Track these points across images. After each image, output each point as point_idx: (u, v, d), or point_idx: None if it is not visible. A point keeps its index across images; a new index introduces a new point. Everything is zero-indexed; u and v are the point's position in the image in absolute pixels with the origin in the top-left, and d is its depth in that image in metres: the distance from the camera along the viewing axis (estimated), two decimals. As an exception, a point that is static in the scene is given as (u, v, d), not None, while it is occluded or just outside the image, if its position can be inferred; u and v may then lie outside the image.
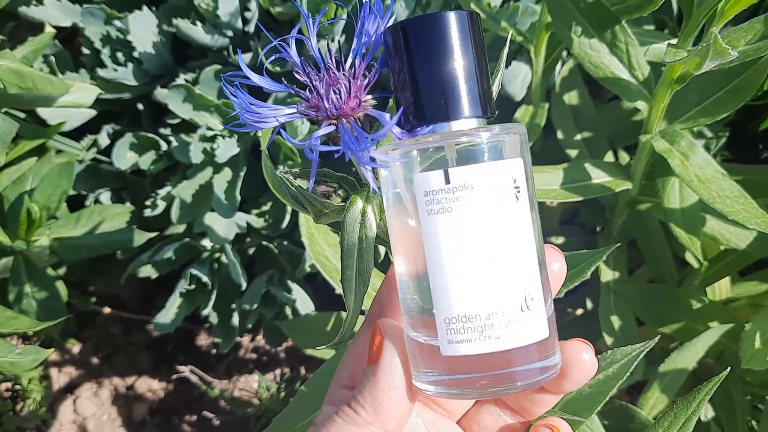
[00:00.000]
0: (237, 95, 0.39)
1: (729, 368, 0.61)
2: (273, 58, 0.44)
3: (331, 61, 0.40)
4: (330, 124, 0.39)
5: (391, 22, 0.41)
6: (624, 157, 1.14)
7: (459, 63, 0.37)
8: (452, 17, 0.37)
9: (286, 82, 0.42)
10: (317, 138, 0.38)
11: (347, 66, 0.41)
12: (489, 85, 0.39)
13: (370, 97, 0.40)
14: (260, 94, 0.54)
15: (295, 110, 0.40)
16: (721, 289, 1.08)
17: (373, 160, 0.37)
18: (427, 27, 0.37)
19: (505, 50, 0.46)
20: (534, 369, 0.36)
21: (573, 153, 1.07)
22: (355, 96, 0.40)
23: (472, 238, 0.35)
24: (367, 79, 0.40)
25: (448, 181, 0.35)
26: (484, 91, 0.38)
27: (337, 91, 0.39)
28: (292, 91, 0.41)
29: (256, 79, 0.42)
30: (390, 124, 0.36)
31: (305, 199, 0.45)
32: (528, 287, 0.36)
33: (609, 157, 1.08)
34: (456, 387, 0.36)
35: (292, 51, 0.42)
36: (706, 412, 1.03)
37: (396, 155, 0.37)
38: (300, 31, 0.42)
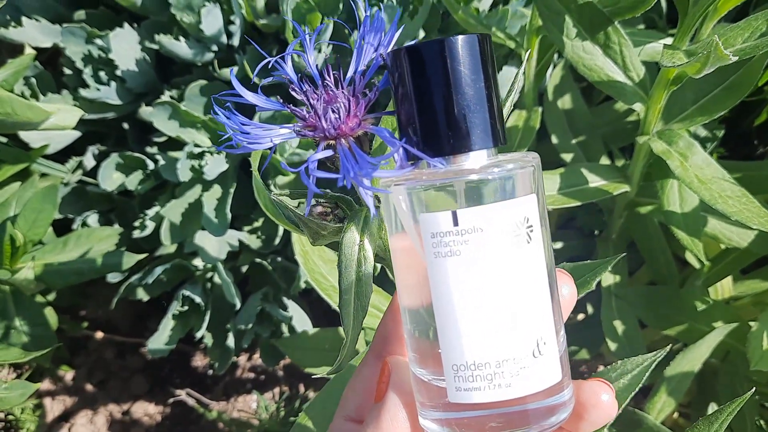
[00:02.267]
0: (228, 116, 0.37)
1: (753, 389, 0.59)
2: (258, 70, 0.41)
3: (330, 78, 0.38)
4: (328, 146, 0.37)
5: (396, 37, 0.39)
6: (620, 159, 1.13)
7: (469, 91, 0.34)
8: (461, 42, 0.34)
9: (281, 99, 0.39)
10: (314, 161, 0.35)
11: (346, 83, 0.38)
12: (501, 112, 0.36)
13: (370, 116, 0.38)
14: (246, 110, 0.52)
15: (290, 130, 0.38)
16: (724, 288, 1.06)
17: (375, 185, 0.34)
18: (434, 53, 0.34)
19: (519, 74, 0.43)
20: (546, 406, 0.34)
21: (568, 157, 1.05)
22: (355, 115, 0.37)
23: (482, 282, 0.33)
24: (367, 98, 0.38)
25: (456, 223, 0.33)
26: (496, 120, 0.35)
27: (336, 110, 0.37)
28: (288, 110, 0.38)
29: (249, 97, 0.39)
30: (394, 149, 0.33)
31: (301, 222, 0.43)
32: (541, 332, 0.34)
33: (605, 159, 1.07)
34: (463, 429, 0.35)
35: (288, 67, 0.39)
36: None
37: (401, 190, 0.34)
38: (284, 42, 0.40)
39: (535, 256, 0.34)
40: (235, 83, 0.39)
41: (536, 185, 0.35)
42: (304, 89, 0.38)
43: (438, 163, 0.35)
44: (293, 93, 0.38)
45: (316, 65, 0.39)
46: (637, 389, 0.59)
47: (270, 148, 0.38)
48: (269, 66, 0.40)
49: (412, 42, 0.37)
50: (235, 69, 1.02)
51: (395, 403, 0.37)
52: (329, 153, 0.36)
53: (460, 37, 0.34)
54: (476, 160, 0.35)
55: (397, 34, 0.39)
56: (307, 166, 0.34)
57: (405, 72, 0.35)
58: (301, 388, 1.33)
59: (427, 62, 0.34)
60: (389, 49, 0.38)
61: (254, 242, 1.12)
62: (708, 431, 0.52)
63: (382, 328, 0.41)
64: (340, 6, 0.96)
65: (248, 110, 0.44)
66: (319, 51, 0.99)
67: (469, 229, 0.33)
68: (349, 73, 0.39)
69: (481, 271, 0.33)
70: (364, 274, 0.41)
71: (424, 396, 0.36)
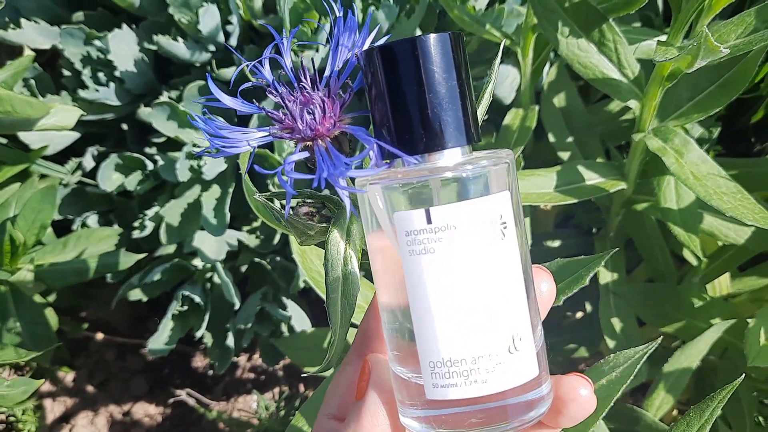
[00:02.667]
0: (203, 120, 0.37)
1: (743, 375, 0.59)
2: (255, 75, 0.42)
3: (306, 79, 0.38)
4: (305, 148, 0.37)
5: (371, 38, 0.39)
6: (617, 157, 1.13)
7: (442, 90, 0.35)
8: (432, 41, 0.34)
9: (257, 103, 0.40)
10: (291, 163, 0.35)
11: (322, 85, 0.38)
12: (474, 110, 0.36)
13: (347, 116, 0.38)
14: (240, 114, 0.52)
15: (267, 133, 0.38)
16: (721, 285, 1.06)
17: (351, 184, 0.35)
18: (406, 52, 0.34)
19: (497, 61, 0.44)
20: (525, 401, 0.35)
21: (565, 155, 1.06)
22: (331, 116, 0.37)
23: (456, 280, 0.34)
24: (343, 99, 0.38)
25: (429, 221, 0.33)
26: (470, 118, 0.36)
27: (312, 112, 0.37)
28: (266, 113, 0.38)
29: (227, 101, 0.40)
30: (369, 148, 0.34)
31: (287, 222, 0.43)
32: (516, 327, 0.34)
33: (601, 157, 1.07)
34: (443, 425, 0.35)
35: (266, 70, 0.39)
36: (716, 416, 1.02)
37: (377, 189, 0.35)
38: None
39: (509, 252, 0.34)
40: (213, 88, 0.39)
41: (510, 182, 0.35)
42: (280, 91, 0.38)
43: (413, 161, 0.35)
44: (270, 96, 0.39)
45: (292, 68, 0.39)
46: (628, 381, 0.59)
47: (251, 152, 0.38)
48: (248, 68, 0.40)
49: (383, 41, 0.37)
50: (233, 68, 1.03)
51: (375, 401, 0.37)
52: (306, 154, 0.37)
53: (432, 36, 0.35)
54: (450, 158, 0.35)
55: (371, 35, 0.39)
56: (283, 167, 0.34)
57: (378, 71, 0.35)
58: (301, 388, 1.33)
59: (399, 61, 0.35)
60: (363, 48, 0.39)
61: (253, 242, 1.13)
62: (700, 419, 0.52)
63: (364, 326, 0.42)
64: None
65: (245, 118, 0.44)
66: (317, 50, 1.00)
67: (442, 227, 0.33)
68: (325, 74, 0.39)
69: (454, 269, 0.33)
70: (350, 273, 0.42)
71: (404, 394, 0.36)
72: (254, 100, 0.41)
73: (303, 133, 0.37)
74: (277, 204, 0.45)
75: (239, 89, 0.41)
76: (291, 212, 0.42)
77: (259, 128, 0.38)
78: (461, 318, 0.34)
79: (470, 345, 0.34)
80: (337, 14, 0.39)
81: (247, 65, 0.40)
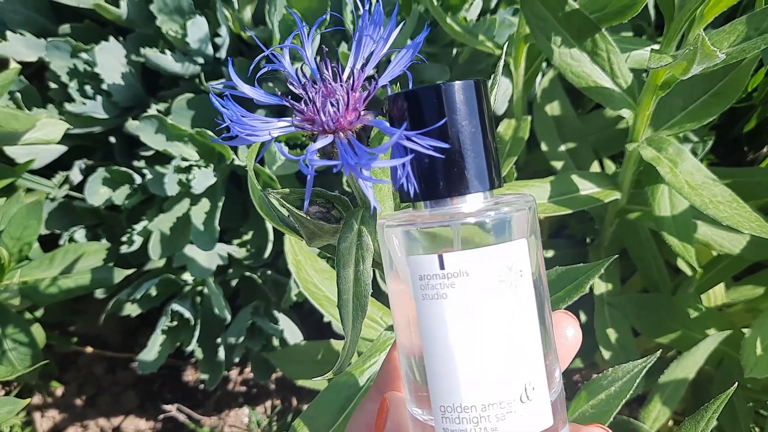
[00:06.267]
0: (227, 106, 0.36)
1: (736, 384, 0.59)
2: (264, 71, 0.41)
3: (328, 71, 0.38)
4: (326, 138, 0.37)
5: (396, 30, 0.39)
6: (610, 167, 1.13)
7: (466, 136, 0.35)
8: (457, 88, 0.34)
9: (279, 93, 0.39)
10: (313, 152, 0.35)
11: (345, 77, 0.38)
12: (497, 155, 0.36)
13: (369, 111, 0.38)
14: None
15: (289, 123, 0.37)
16: (716, 295, 1.06)
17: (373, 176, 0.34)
18: (430, 99, 0.34)
19: (499, 71, 0.43)
20: None
21: (558, 165, 1.05)
22: (354, 109, 0.37)
23: (467, 326, 0.33)
24: (366, 92, 0.38)
25: (443, 267, 0.33)
26: (493, 163, 0.36)
27: (335, 104, 0.36)
28: (287, 104, 0.38)
29: (247, 90, 0.39)
30: (395, 137, 0.33)
31: (297, 221, 0.43)
32: (529, 377, 0.34)
33: (595, 167, 1.06)
34: None
35: (286, 60, 0.39)
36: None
37: (398, 231, 0.35)
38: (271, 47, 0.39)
39: (523, 301, 0.34)
40: (233, 76, 0.39)
41: (531, 228, 0.35)
42: (303, 82, 0.37)
43: (435, 205, 0.35)
44: (291, 87, 0.38)
45: (315, 58, 0.39)
46: (628, 396, 0.59)
47: (263, 145, 0.37)
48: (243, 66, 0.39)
49: (410, 88, 0.37)
50: (222, 81, 1.02)
51: None
52: (329, 140, 0.36)
53: (457, 83, 0.35)
54: (473, 204, 0.35)
55: (397, 29, 0.39)
56: (306, 156, 0.34)
57: (403, 116, 0.35)
58: (294, 402, 1.32)
59: (424, 107, 0.34)
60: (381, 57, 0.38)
61: (244, 255, 1.11)
62: (696, 429, 0.52)
63: (386, 364, 0.42)
64: (327, 18, 0.95)
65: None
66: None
67: (455, 273, 0.33)
68: (348, 67, 0.38)
69: (466, 315, 0.33)
70: (363, 274, 0.41)
71: None
72: (277, 90, 0.40)
73: (325, 125, 0.36)
74: (285, 204, 0.44)
75: (256, 77, 0.40)
76: (301, 212, 0.42)
77: (280, 119, 0.38)
78: (472, 365, 0.33)
79: (480, 392, 0.33)
80: (362, 9, 0.38)
81: (267, 54, 0.39)
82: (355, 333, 0.42)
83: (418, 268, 0.34)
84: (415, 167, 0.35)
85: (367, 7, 0.38)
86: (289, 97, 0.38)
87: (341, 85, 0.37)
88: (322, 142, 0.36)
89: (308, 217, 0.42)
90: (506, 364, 0.33)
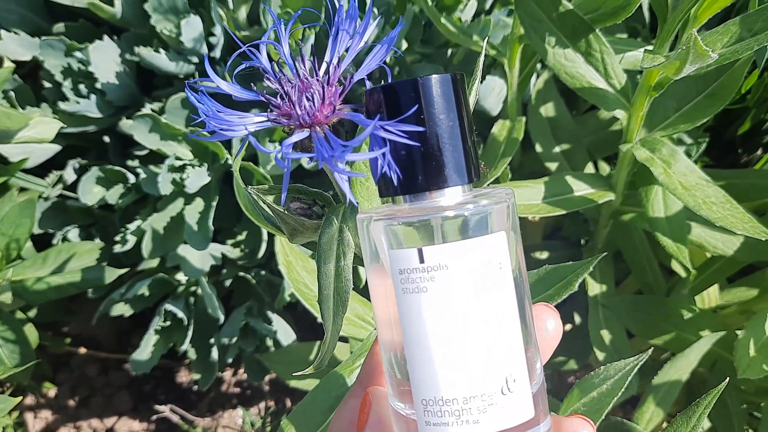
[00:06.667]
0: (203, 101, 0.36)
1: (727, 379, 0.59)
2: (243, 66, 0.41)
3: (304, 66, 0.38)
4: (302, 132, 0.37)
5: (373, 25, 0.39)
6: (604, 168, 1.13)
7: (443, 129, 0.35)
8: (434, 81, 0.34)
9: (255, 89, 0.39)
10: (289, 146, 0.35)
11: (321, 72, 0.38)
12: (476, 149, 0.36)
13: (345, 106, 0.38)
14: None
15: (265, 118, 0.37)
16: (710, 296, 1.06)
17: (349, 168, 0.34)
18: (407, 92, 0.34)
19: (480, 63, 0.43)
20: None
21: (552, 166, 1.05)
22: (330, 103, 0.37)
23: (448, 320, 0.33)
24: (342, 86, 0.38)
25: (422, 260, 0.33)
26: (471, 156, 0.36)
27: (310, 98, 0.36)
28: (263, 99, 0.38)
29: (223, 85, 0.39)
30: (369, 128, 0.33)
31: (278, 218, 0.43)
32: (509, 369, 0.34)
33: (589, 168, 1.06)
34: None
35: (263, 56, 0.39)
36: (703, 423, 1.01)
37: (379, 226, 0.35)
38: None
39: (503, 293, 0.34)
40: (210, 72, 0.39)
41: (510, 222, 0.35)
42: (278, 77, 0.38)
43: (414, 199, 0.35)
44: (267, 82, 0.38)
45: (291, 54, 0.39)
46: (619, 394, 0.59)
47: (244, 139, 0.37)
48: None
49: (385, 82, 0.37)
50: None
51: None
52: (305, 135, 0.36)
53: (434, 77, 0.35)
54: (452, 197, 0.35)
55: (373, 24, 0.39)
56: (281, 150, 0.34)
57: (380, 109, 0.35)
58: (288, 403, 1.31)
59: (401, 101, 0.34)
60: (363, 41, 0.39)
61: (238, 256, 1.11)
62: (687, 425, 0.52)
63: (369, 359, 0.42)
64: (322, 17, 0.95)
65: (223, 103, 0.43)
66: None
67: (434, 266, 0.33)
68: (324, 62, 0.38)
69: (446, 309, 0.33)
70: (343, 269, 0.41)
71: (402, 429, 0.36)
72: (252, 85, 0.40)
73: (301, 119, 0.36)
74: (266, 200, 0.44)
75: (234, 73, 0.41)
76: (283, 208, 0.42)
77: (257, 113, 0.38)
78: (452, 358, 0.33)
79: (461, 385, 0.33)
80: (338, 3, 0.38)
81: (244, 49, 0.39)
82: (336, 329, 0.42)
83: (399, 263, 0.34)
84: (394, 161, 0.35)
85: (342, 2, 0.38)
86: (269, 94, 0.38)
87: (317, 80, 0.37)
88: (298, 136, 0.36)
89: (289, 213, 0.42)
90: (487, 356, 0.33)
